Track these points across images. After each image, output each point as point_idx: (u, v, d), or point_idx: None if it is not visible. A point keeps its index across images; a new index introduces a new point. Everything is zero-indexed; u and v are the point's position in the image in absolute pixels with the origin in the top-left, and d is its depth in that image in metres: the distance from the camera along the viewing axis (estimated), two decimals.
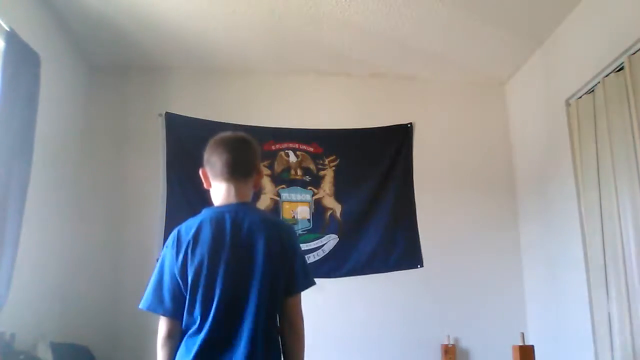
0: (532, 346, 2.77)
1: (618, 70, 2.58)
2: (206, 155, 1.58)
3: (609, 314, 2.57)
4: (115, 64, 3.55)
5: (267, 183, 3.50)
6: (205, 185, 1.61)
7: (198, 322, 1.41)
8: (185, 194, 3.36)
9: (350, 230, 3.47)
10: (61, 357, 2.64)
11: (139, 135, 3.50)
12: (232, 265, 1.43)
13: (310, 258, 3.39)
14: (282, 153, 3.58)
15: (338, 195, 3.53)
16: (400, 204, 3.53)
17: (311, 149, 3.61)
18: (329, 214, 3.50)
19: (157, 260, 1.55)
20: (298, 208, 3.50)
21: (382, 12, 2.98)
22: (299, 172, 3.56)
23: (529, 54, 3.43)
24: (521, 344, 3.04)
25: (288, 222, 1.56)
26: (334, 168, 3.58)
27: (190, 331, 1.43)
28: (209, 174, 1.58)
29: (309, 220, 3.48)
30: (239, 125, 3.53)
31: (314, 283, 1.56)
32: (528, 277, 3.47)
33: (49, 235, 2.96)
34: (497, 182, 3.68)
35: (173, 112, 3.51)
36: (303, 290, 1.53)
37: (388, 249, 3.45)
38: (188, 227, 1.49)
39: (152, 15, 3.00)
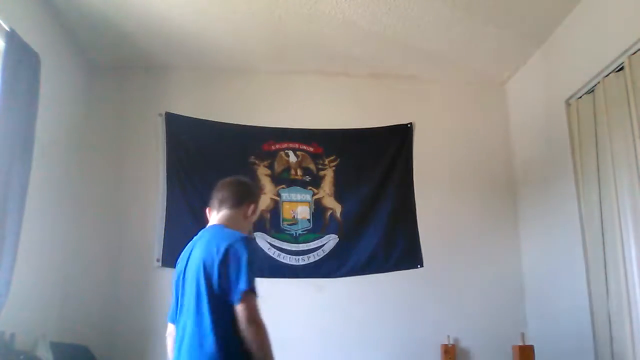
0: (532, 346, 2.78)
1: (618, 70, 2.58)
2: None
3: (609, 314, 2.57)
4: (115, 64, 3.55)
5: (267, 183, 3.50)
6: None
7: None
8: (185, 194, 3.36)
9: (350, 230, 3.47)
10: (61, 357, 2.64)
11: (139, 135, 3.50)
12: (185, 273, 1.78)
13: (310, 258, 3.39)
14: (282, 153, 3.58)
15: (338, 195, 3.53)
16: (400, 204, 3.53)
17: (311, 149, 3.61)
18: (329, 214, 3.50)
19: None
20: (298, 208, 3.50)
21: (382, 12, 2.98)
22: (299, 172, 3.56)
23: (529, 54, 3.43)
24: (521, 344, 3.04)
25: (237, 236, 1.70)
26: (334, 168, 3.57)
27: None
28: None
29: (309, 220, 3.48)
30: (239, 125, 3.54)
31: (246, 287, 1.61)
32: (528, 277, 3.47)
33: (49, 235, 2.96)
34: (497, 182, 3.68)
35: (173, 112, 3.51)
36: (237, 295, 1.62)
37: (388, 249, 3.45)
38: None
39: (152, 15, 3.00)
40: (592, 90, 2.80)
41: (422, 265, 3.45)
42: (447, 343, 3.26)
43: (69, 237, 3.19)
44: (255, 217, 2.00)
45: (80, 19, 3.04)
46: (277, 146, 3.59)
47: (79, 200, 3.29)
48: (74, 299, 3.12)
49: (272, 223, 3.43)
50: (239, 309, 1.58)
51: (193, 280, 1.70)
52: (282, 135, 3.59)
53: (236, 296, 1.59)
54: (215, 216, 1.90)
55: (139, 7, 2.93)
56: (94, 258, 3.23)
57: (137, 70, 3.60)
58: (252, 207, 1.94)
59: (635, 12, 2.43)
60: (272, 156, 3.56)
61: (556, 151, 3.12)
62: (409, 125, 3.69)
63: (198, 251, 1.75)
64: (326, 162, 3.58)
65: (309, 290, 3.33)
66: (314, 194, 3.53)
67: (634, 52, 2.45)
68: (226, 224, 1.85)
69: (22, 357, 2.36)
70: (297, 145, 3.60)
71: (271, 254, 3.37)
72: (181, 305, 1.76)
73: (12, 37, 2.42)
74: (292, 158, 3.58)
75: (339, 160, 3.59)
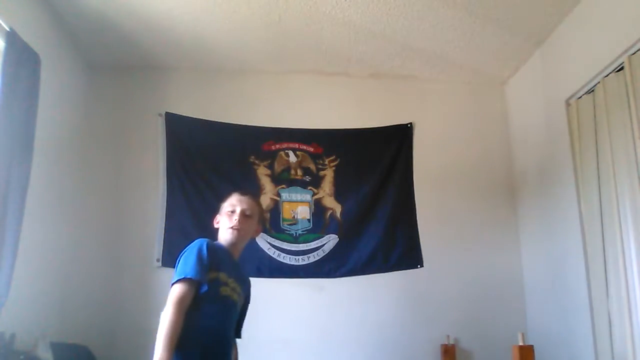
0: (532, 346, 2.77)
1: (618, 70, 2.58)
2: None
3: (609, 313, 2.57)
4: (115, 63, 3.55)
5: (267, 183, 3.50)
6: None
7: None
8: (185, 194, 3.36)
9: (350, 230, 3.47)
10: (61, 357, 2.64)
11: (139, 135, 3.50)
12: None
13: (310, 258, 3.39)
14: (282, 153, 3.58)
15: (338, 195, 3.53)
16: (400, 203, 3.53)
17: (311, 149, 3.61)
18: (329, 214, 3.50)
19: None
20: (298, 208, 3.50)
21: (382, 12, 2.98)
22: (299, 172, 3.56)
23: (529, 54, 3.43)
24: (521, 344, 3.04)
25: (195, 241, 1.98)
26: (334, 168, 3.57)
27: None
28: None
29: (309, 220, 3.48)
30: (239, 125, 3.54)
31: (176, 277, 1.86)
32: (528, 277, 3.47)
33: (48, 235, 2.96)
34: (497, 182, 3.68)
35: (173, 112, 3.51)
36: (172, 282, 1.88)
37: (388, 249, 3.45)
38: None
39: (152, 15, 3.00)
40: (592, 90, 2.80)
41: (422, 265, 3.45)
42: (447, 343, 3.26)
43: (69, 237, 3.19)
44: (224, 225, 2.09)
45: (81, 20, 3.04)
46: (277, 146, 3.59)
47: (79, 200, 3.29)
48: (74, 299, 3.12)
49: (272, 223, 3.43)
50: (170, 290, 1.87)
51: None
52: (282, 135, 3.59)
53: (171, 283, 1.88)
54: None
55: (139, 8, 2.93)
56: (94, 258, 3.23)
57: (137, 71, 3.59)
58: (216, 217, 2.17)
59: (635, 12, 2.43)
60: (272, 156, 3.56)
61: (556, 151, 3.12)
62: (409, 125, 3.69)
63: None
64: (326, 162, 3.58)
65: (309, 290, 3.34)
66: (313, 194, 3.53)
67: (634, 52, 2.46)
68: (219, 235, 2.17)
69: (22, 357, 2.36)
70: (297, 145, 3.60)
71: (271, 254, 3.37)
72: None
73: (12, 37, 2.42)
74: (292, 158, 3.58)
75: (339, 160, 3.59)
